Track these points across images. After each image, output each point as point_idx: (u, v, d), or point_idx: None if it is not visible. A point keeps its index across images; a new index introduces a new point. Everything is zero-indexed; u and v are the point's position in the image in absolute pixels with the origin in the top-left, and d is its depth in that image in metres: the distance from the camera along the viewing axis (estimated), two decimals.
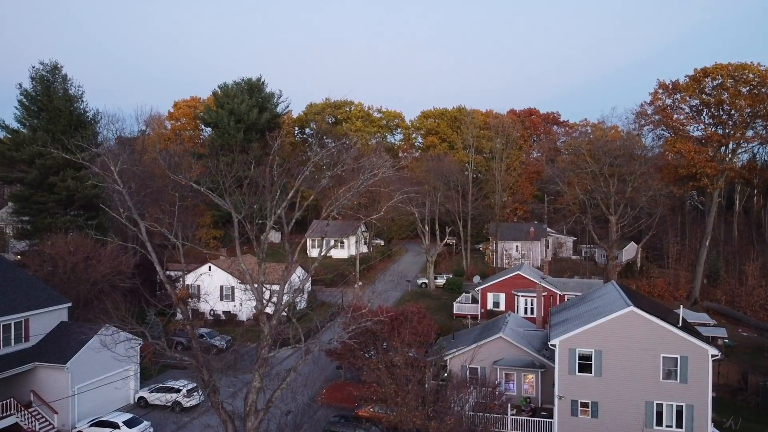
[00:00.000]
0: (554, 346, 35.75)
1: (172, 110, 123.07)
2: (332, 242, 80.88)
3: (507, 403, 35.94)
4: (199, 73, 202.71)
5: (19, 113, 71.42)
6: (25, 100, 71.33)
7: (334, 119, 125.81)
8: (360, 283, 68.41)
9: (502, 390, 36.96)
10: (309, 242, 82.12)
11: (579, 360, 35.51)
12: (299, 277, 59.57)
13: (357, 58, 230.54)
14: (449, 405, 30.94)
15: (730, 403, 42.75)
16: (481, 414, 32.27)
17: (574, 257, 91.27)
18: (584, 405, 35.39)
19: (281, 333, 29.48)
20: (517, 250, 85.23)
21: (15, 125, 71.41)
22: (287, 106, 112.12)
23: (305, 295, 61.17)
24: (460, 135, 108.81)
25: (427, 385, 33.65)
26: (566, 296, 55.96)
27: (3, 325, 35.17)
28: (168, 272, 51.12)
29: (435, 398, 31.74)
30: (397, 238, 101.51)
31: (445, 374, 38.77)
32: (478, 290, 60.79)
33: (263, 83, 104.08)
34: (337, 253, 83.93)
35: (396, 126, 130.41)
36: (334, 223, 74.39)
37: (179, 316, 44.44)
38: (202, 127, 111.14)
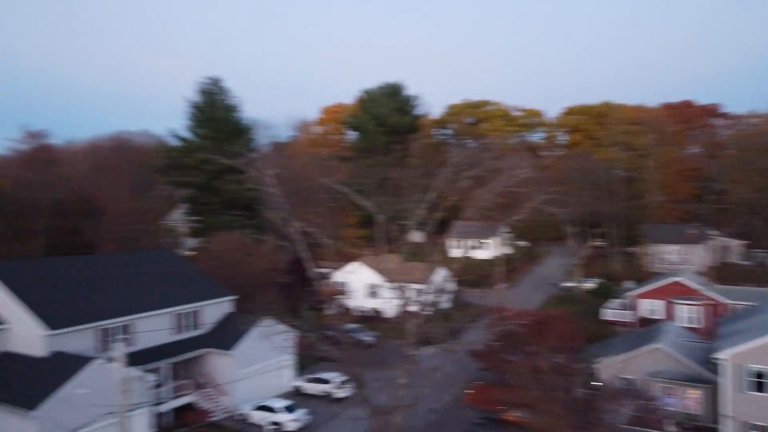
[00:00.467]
0: (722, 360, 32.75)
1: (319, 116, 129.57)
2: (474, 243, 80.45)
3: (665, 418, 33.53)
4: (345, 79, 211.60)
5: (189, 123, 79.42)
6: (193, 111, 79.29)
7: (472, 120, 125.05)
8: (503, 285, 67.43)
9: (660, 404, 34.56)
10: (451, 243, 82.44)
11: (752, 377, 32.21)
12: (442, 277, 60.26)
13: (495, 57, 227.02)
14: (601, 416, 29.55)
15: None
16: (636, 428, 30.48)
17: (744, 263, 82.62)
18: (758, 428, 32.02)
19: (425, 331, 29.95)
20: (674, 255, 78.98)
21: (186, 134, 79.49)
22: (427, 108, 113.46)
23: (449, 295, 61.54)
24: (606, 131, 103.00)
25: (575, 393, 32.38)
26: (735, 306, 50.88)
27: (180, 314, 39.37)
28: (318, 269, 54.13)
29: (584, 407, 30.44)
30: (542, 240, 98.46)
31: (595, 383, 37.00)
32: (631, 296, 57.23)
33: (403, 87, 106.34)
34: (480, 254, 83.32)
35: (537, 124, 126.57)
36: (476, 224, 74.09)
37: (329, 311, 46.79)
38: (347, 131, 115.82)
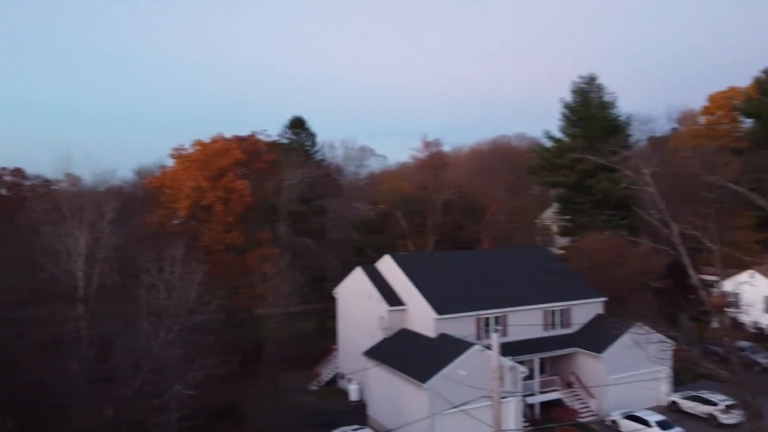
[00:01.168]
0: None
1: (705, 104, 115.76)
2: None
3: None
4: (737, 63, 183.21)
5: (561, 124, 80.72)
6: (566, 111, 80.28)
7: None
8: None
9: None
10: None
11: None
12: None
13: None
14: None
15: None
16: None
17: None
18: None
19: None
20: None
21: (559, 135, 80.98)
22: None
23: None
24: None
25: None
26: None
27: (551, 311, 40.67)
28: (702, 276, 48.71)
29: None
30: None
31: None
32: None
33: None
34: None
35: None
36: None
37: (715, 324, 41.83)
38: (742, 119, 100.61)
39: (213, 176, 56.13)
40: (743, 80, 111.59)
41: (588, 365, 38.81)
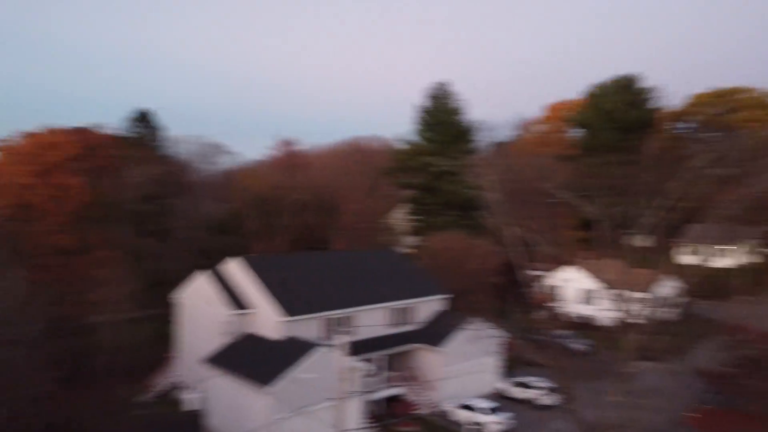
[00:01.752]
0: None
1: (544, 114, 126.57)
2: (712, 249, 71.71)
3: None
4: (573, 76, 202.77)
5: (417, 127, 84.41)
6: (421, 115, 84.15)
7: (720, 110, 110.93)
8: (746, 298, 59.02)
9: None
10: (684, 248, 74.55)
11: None
12: (670, 286, 54.96)
13: (741, 40, 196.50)
14: None
15: None
16: None
17: None
18: None
19: (645, 346, 28.07)
20: None
21: (413, 138, 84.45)
22: (665, 101, 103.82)
23: (677, 307, 55.97)
24: None
25: None
26: None
27: (396, 309, 42.28)
28: (532, 272, 53.38)
29: None
30: None
31: None
32: None
33: (638, 79, 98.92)
34: (717, 261, 73.84)
35: None
36: (716, 226, 65.89)
37: (540, 315, 46.06)
38: (573, 129, 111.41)
39: (42, 171, 51.42)
40: (577, 93, 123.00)
41: (429, 359, 40.91)
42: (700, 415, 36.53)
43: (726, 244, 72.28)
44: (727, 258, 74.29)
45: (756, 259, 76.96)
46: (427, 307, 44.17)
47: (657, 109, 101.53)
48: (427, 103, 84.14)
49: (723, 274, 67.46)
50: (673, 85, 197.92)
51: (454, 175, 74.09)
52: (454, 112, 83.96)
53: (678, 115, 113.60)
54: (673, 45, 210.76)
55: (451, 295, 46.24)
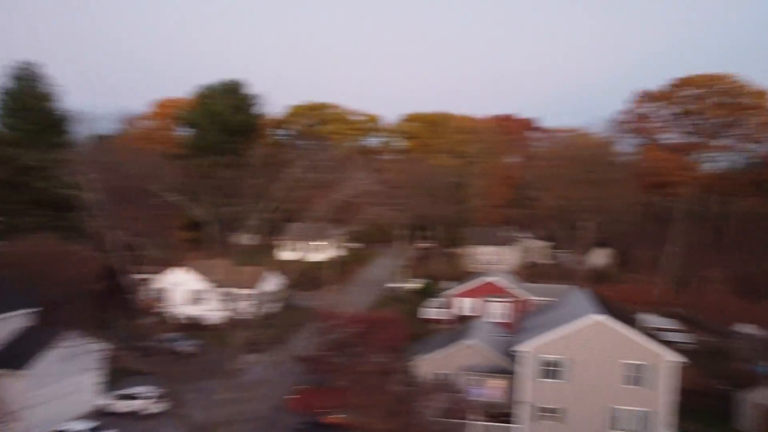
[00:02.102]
0: (522, 352, 36.17)
1: (152, 110, 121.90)
2: (309, 245, 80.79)
3: (475, 408, 36.25)
4: (183, 74, 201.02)
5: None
6: (5, 99, 71.10)
7: (313, 122, 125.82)
8: (334, 287, 68.44)
9: (470, 396, 37.27)
10: (286, 245, 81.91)
11: (546, 366, 35.98)
12: (274, 280, 59.51)
13: (338, 61, 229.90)
14: (416, 411, 31.15)
15: (689, 407, 43.44)
16: (448, 420, 32.52)
17: (547, 262, 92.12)
18: (550, 411, 35.85)
19: (251, 339, 29.41)
20: (490, 255, 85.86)
21: None
22: (269, 109, 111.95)
23: (279, 300, 60.92)
24: (440, 139, 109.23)
25: (394, 392, 33.80)
26: (537, 302, 56.49)
27: None
28: (137, 277, 50.70)
29: (402, 405, 31.88)
30: (373, 241, 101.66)
31: (413, 380, 38.94)
32: (450, 296, 61.13)
33: (243, 85, 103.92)
34: (312, 256, 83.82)
35: (374, 129, 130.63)
36: (312, 226, 74.43)
37: (146, 320, 44.11)
38: (182, 127, 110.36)
39: None
40: (185, 92, 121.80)
41: (9, 386, 34.77)
42: (297, 396, 40.54)
43: (319, 240, 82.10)
44: (320, 253, 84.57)
45: (342, 253, 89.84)
46: (9, 325, 37.48)
47: (261, 116, 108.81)
48: (12, 84, 71.81)
49: (317, 268, 76.65)
50: (275, 94, 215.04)
51: (46, 170, 65.01)
52: (45, 98, 73.73)
53: (279, 123, 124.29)
54: (271, 55, 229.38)
55: (40, 309, 40.32)
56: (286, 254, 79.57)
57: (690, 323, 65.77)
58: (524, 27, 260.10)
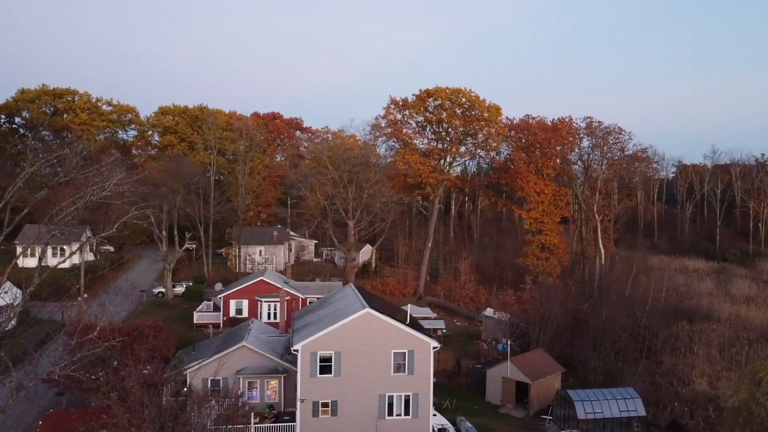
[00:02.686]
0: (296, 351, 36.43)
1: None
2: (53, 250, 71.19)
3: (250, 412, 35.55)
4: None
5: None
6: None
7: (53, 109, 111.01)
8: (85, 296, 61.30)
9: (245, 400, 36.43)
10: (20, 250, 70.78)
11: (320, 362, 36.74)
12: (6, 292, 50.88)
13: (87, 46, 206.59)
14: (190, 422, 29.44)
15: (446, 386, 48.53)
16: (223, 427, 31.34)
17: (316, 260, 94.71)
18: (325, 405, 36.73)
19: None
20: (260, 255, 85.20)
21: None
22: None
23: (14, 314, 52.37)
24: (201, 135, 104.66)
25: (163, 404, 31.46)
26: (309, 300, 57.62)
27: None
28: None
29: (174, 418, 29.83)
30: (131, 244, 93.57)
31: (185, 390, 36.73)
32: (220, 298, 59.09)
33: None
34: (57, 262, 73.87)
35: (129, 122, 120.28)
36: (56, 228, 65.40)
37: None
38: None
39: None
40: None
41: None
42: (48, 422, 35.47)
43: (66, 245, 72.54)
44: (67, 259, 74.74)
45: (95, 258, 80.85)
46: None
47: None
48: None
49: (65, 275, 67.57)
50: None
51: None
52: None
53: (7, 109, 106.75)
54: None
55: None
56: (24, 260, 68.69)
57: (444, 310, 73.47)
58: (291, 28, 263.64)
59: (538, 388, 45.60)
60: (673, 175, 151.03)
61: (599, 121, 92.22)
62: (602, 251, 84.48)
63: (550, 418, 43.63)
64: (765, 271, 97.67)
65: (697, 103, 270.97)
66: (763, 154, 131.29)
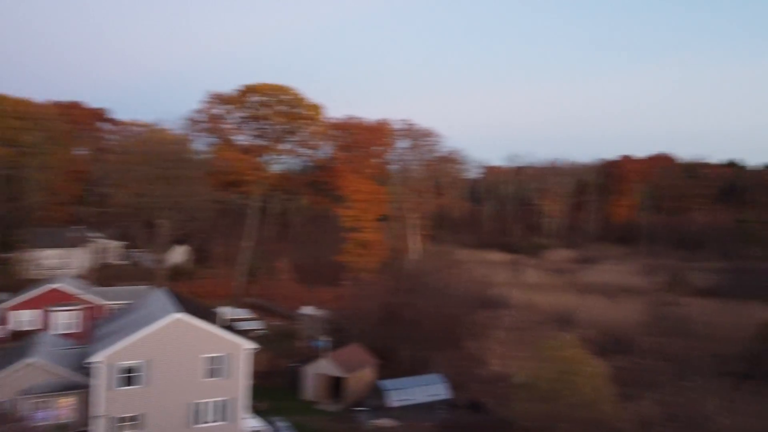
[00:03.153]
0: (96, 363, 33.42)
1: None
2: None
3: None
4: None
5: None
6: None
7: None
8: None
9: (34, 421, 32.60)
10: None
11: (125, 373, 34.11)
12: None
13: None
14: None
15: (264, 387, 47.74)
16: None
17: (122, 263, 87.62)
18: (128, 419, 34.17)
19: None
20: (55, 259, 76.55)
21: None
22: None
23: None
24: None
25: None
26: (112, 306, 53.09)
27: None
28: None
29: None
30: None
31: None
32: (2, 309, 52.03)
33: None
34: None
35: None
36: None
37: None
38: None
39: None
40: None
41: None
42: None
43: None
44: None
45: None
46: None
47: None
48: None
49: None
50: None
51: None
52: None
53: None
54: None
55: None
56: None
57: (262, 310, 72.31)
58: (103, 13, 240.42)
59: (353, 382, 46.86)
60: (478, 176, 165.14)
61: (415, 124, 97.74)
62: (416, 246, 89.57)
63: (365, 408, 45.12)
64: (550, 260, 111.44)
65: (500, 109, 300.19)
66: (555, 159, 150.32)
